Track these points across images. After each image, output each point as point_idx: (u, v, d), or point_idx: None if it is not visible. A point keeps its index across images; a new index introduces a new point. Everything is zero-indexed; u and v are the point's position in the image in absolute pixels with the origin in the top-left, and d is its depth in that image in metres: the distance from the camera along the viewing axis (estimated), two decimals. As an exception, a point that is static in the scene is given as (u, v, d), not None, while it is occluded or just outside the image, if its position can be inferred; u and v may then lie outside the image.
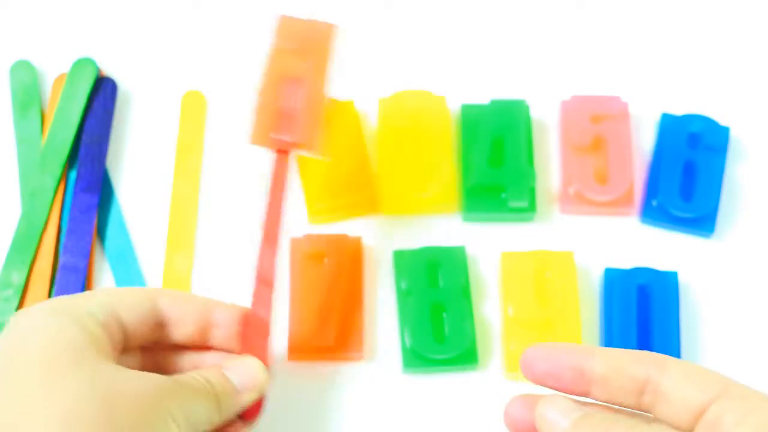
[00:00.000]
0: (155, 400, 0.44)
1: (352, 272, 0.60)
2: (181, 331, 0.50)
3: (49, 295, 0.60)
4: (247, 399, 0.50)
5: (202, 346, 0.51)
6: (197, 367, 0.50)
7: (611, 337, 0.59)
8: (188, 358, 0.52)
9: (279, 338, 0.60)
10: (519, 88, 0.66)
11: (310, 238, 0.61)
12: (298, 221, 0.62)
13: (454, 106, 0.65)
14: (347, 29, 0.68)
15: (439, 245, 0.61)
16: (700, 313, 0.60)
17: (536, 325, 0.58)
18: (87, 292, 0.50)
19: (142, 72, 0.67)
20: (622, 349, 0.43)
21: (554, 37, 0.68)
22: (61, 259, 0.60)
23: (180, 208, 0.63)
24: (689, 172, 0.63)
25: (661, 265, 0.60)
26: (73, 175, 0.63)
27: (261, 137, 0.56)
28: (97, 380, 0.43)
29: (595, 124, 0.63)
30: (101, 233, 0.62)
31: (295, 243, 0.61)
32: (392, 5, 0.69)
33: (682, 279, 0.60)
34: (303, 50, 0.57)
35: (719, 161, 0.63)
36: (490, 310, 0.61)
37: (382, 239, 0.62)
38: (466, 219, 0.63)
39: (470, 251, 0.61)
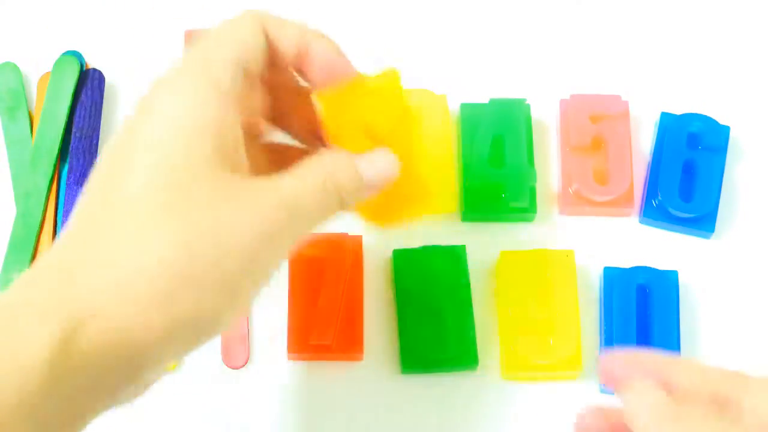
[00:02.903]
0: (265, 241, 0.41)
1: (352, 272, 0.60)
2: (281, 54, 0.47)
3: None
4: (365, 195, 0.47)
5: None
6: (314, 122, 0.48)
7: (611, 337, 0.59)
8: (306, 103, 0.48)
9: (279, 338, 0.60)
10: (519, 87, 0.66)
11: (309, 238, 0.60)
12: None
13: (453, 106, 0.65)
14: (347, 29, 0.68)
15: (439, 245, 0.61)
16: (700, 313, 0.61)
17: (536, 325, 0.58)
18: (206, 46, 0.45)
19: (128, 63, 0.66)
20: (705, 364, 0.43)
21: (554, 37, 0.68)
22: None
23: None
24: (689, 171, 0.63)
25: (661, 265, 0.60)
26: (65, 169, 0.63)
27: None
28: (207, 207, 0.40)
29: (594, 124, 0.63)
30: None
31: (295, 242, 0.61)
32: (392, 5, 0.69)
33: (682, 279, 0.60)
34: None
35: (719, 161, 0.63)
36: (490, 310, 0.61)
37: (382, 239, 0.62)
38: (466, 219, 0.63)
39: (470, 251, 0.61)
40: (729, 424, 0.40)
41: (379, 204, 0.47)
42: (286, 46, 0.47)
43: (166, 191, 0.40)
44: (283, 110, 0.50)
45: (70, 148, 0.63)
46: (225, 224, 0.40)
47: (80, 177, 0.62)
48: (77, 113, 0.64)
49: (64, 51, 0.65)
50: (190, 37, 0.65)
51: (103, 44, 0.66)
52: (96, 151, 0.63)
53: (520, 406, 0.59)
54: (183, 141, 0.41)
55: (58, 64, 0.64)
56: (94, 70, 0.65)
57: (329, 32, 0.67)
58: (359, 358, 0.59)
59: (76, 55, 0.65)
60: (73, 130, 0.64)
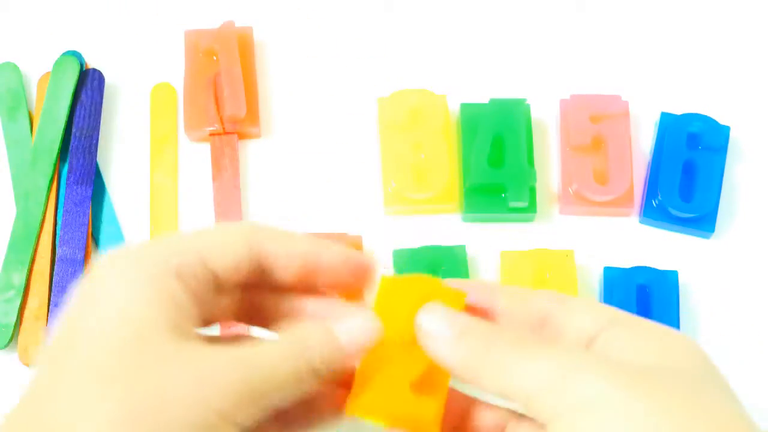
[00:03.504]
0: (213, 412, 0.38)
1: (352, 272, 0.60)
2: (283, 274, 0.43)
3: (50, 292, 0.60)
4: (349, 363, 0.42)
5: (306, 288, 0.45)
6: (299, 312, 0.44)
7: (611, 337, 0.58)
8: (289, 302, 0.45)
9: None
10: (519, 87, 0.66)
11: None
12: (298, 220, 0.62)
13: (453, 106, 0.65)
14: (348, 30, 0.68)
15: (439, 245, 0.61)
16: (700, 313, 0.61)
17: (536, 324, 0.58)
18: (170, 239, 0.42)
19: (128, 63, 0.67)
20: (528, 289, 0.43)
21: (554, 37, 0.68)
22: (59, 252, 0.61)
23: (160, 198, 0.63)
24: (689, 171, 0.62)
25: (661, 265, 0.60)
26: (65, 168, 0.63)
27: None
28: (156, 377, 0.37)
29: (594, 124, 0.63)
30: (94, 225, 0.62)
31: (295, 242, 0.61)
32: (392, 5, 0.69)
33: (682, 279, 0.60)
34: None
35: (719, 161, 0.63)
36: (490, 309, 0.61)
37: (382, 239, 0.62)
38: (466, 219, 0.63)
39: (470, 251, 0.61)
40: (532, 337, 0.40)
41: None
42: (286, 260, 0.43)
43: (112, 369, 0.38)
44: (263, 307, 0.45)
45: (70, 148, 0.63)
46: (173, 398, 0.37)
47: (80, 177, 0.62)
48: (77, 113, 0.64)
49: (64, 51, 0.65)
50: (190, 37, 0.65)
51: (103, 44, 0.66)
52: (95, 151, 0.63)
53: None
54: (133, 327, 0.39)
55: (58, 64, 0.64)
56: (94, 70, 0.65)
57: (330, 32, 0.68)
58: (359, 358, 0.59)
59: (76, 55, 0.65)
60: (73, 129, 0.64)
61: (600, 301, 0.60)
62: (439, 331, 0.41)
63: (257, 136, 0.65)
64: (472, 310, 0.43)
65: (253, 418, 0.39)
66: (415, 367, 0.41)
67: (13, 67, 0.65)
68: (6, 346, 0.58)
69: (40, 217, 0.61)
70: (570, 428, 0.36)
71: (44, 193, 0.62)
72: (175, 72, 0.66)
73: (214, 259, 0.41)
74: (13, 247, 0.60)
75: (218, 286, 0.42)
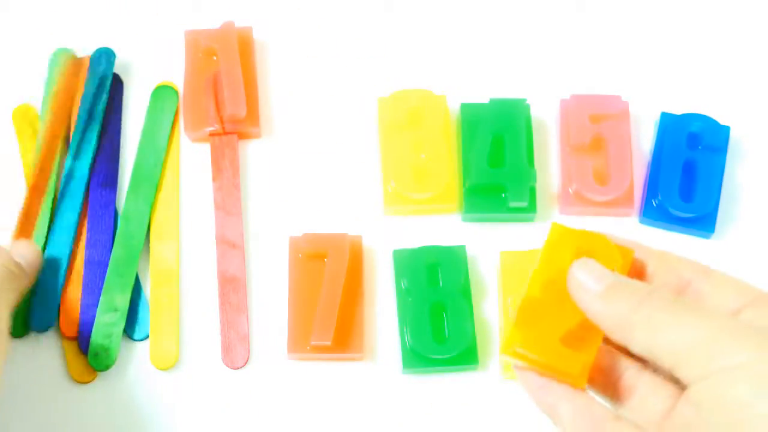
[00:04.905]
0: None
1: (352, 272, 0.60)
2: None
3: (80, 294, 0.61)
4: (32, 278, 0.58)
5: None
6: None
7: (611, 337, 0.58)
8: None
9: (279, 337, 0.60)
10: (519, 87, 0.66)
11: (309, 238, 0.61)
12: (298, 220, 0.62)
13: (453, 105, 0.65)
14: (348, 30, 0.68)
15: (439, 245, 0.61)
16: (700, 313, 0.60)
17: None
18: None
19: (128, 63, 0.66)
20: (672, 253, 0.44)
21: (554, 37, 0.68)
22: (86, 255, 0.61)
23: (160, 198, 0.63)
24: (689, 171, 0.63)
25: (661, 265, 0.60)
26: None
27: None
28: None
29: (594, 124, 0.63)
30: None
31: (295, 242, 0.61)
32: (392, 5, 0.69)
33: (682, 279, 0.60)
34: None
35: (719, 161, 0.63)
36: (490, 310, 0.61)
37: (382, 239, 0.62)
38: (466, 219, 0.63)
39: (470, 251, 0.61)
40: (680, 301, 0.40)
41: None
42: None
43: None
44: None
45: (99, 150, 0.63)
46: None
47: (105, 179, 0.63)
48: (107, 116, 0.64)
49: (70, 52, 0.65)
50: (190, 37, 0.65)
51: (103, 44, 0.66)
52: (117, 154, 0.64)
53: (520, 406, 0.59)
54: None
55: (156, 91, 0.65)
56: (115, 74, 0.65)
57: (330, 32, 0.68)
58: (359, 358, 0.59)
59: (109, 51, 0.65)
60: (103, 133, 0.64)
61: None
62: (590, 284, 0.41)
63: (257, 136, 0.65)
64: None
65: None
66: (569, 319, 0.42)
67: (68, 53, 0.65)
68: (108, 368, 0.58)
69: (141, 241, 0.61)
70: (715, 391, 0.37)
71: (146, 216, 0.62)
72: (175, 72, 0.66)
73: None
74: (114, 269, 0.60)
75: None
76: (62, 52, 0.65)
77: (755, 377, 0.36)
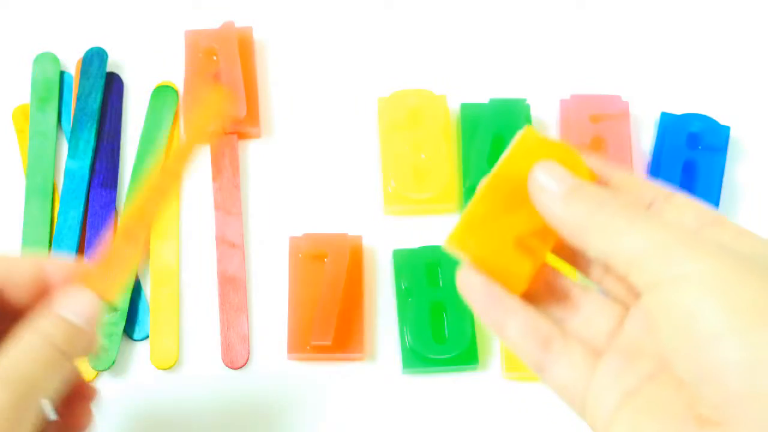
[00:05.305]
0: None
1: (352, 272, 0.60)
2: (15, 293, 0.44)
3: None
4: (92, 336, 0.43)
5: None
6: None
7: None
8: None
9: (279, 337, 0.60)
10: (518, 87, 0.66)
11: (309, 238, 0.61)
12: (298, 220, 0.62)
13: (453, 105, 0.65)
14: (348, 30, 0.68)
15: (439, 245, 0.60)
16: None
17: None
18: None
19: (128, 63, 0.66)
20: (639, 176, 0.43)
21: (554, 37, 0.68)
22: (86, 255, 0.61)
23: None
24: (689, 171, 0.62)
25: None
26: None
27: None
28: None
29: (594, 124, 0.63)
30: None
31: (295, 242, 0.61)
32: (392, 5, 0.69)
33: (682, 279, 0.60)
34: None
35: (719, 161, 0.63)
36: (490, 309, 0.61)
37: (382, 239, 0.62)
38: (466, 219, 0.63)
39: (470, 251, 0.61)
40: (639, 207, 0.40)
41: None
42: (16, 279, 0.44)
43: None
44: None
45: (99, 150, 0.63)
46: None
47: (105, 179, 0.63)
48: (106, 116, 0.64)
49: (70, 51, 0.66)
50: (190, 37, 0.65)
51: (103, 44, 0.66)
52: (117, 154, 0.63)
53: (520, 406, 0.59)
54: None
55: (157, 91, 0.65)
56: (114, 73, 0.65)
57: (330, 32, 0.68)
58: (359, 358, 0.59)
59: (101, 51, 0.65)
60: (101, 132, 0.64)
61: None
62: (552, 186, 0.40)
63: (257, 136, 0.65)
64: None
65: (36, 416, 0.40)
66: (522, 224, 0.41)
67: (52, 58, 0.65)
68: (108, 368, 0.58)
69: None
70: (666, 298, 0.36)
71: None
72: (175, 72, 0.66)
73: None
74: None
75: None
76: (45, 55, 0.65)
77: (707, 287, 0.35)
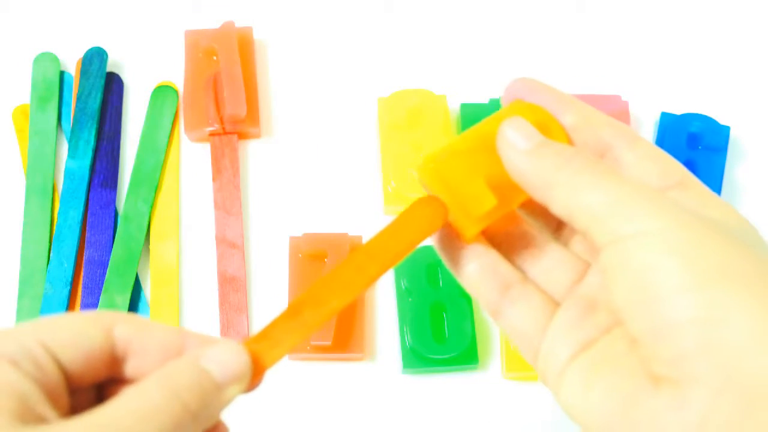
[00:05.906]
0: None
1: (352, 272, 0.60)
2: (143, 364, 0.37)
3: (79, 295, 0.60)
4: (231, 394, 0.36)
5: None
6: None
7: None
8: None
9: (279, 338, 0.60)
10: (519, 87, 0.66)
11: (309, 238, 0.61)
12: (298, 220, 0.62)
13: (453, 105, 0.65)
14: (348, 30, 0.68)
15: (439, 245, 0.61)
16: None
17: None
18: (9, 328, 0.37)
19: (128, 63, 0.67)
20: (600, 111, 0.42)
21: (554, 37, 0.68)
22: (86, 255, 0.61)
23: (161, 198, 0.63)
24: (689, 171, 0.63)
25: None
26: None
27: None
28: None
29: (594, 124, 0.63)
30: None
31: (295, 242, 0.61)
32: (392, 5, 0.69)
33: (682, 279, 0.60)
34: None
35: (719, 161, 0.63)
36: (490, 309, 0.61)
37: (382, 239, 0.62)
38: (466, 219, 0.63)
39: (470, 251, 0.61)
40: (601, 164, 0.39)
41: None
42: (147, 352, 0.37)
43: None
44: None
45: (99, 150, 0.63)
46: None
47: (105, 179, 0.63)
48: (104, 115, 0.64)
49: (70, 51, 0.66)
50: (190, 37, 0.65)
51: (102, 44, 0.66)
52: (117, 154, 0.64)
53: (520, 406, 0.59)
54: None
55: (156, 91, 0.65)
56: (114, 73, 0.65)
57: (330, 32, 0.68)
58: (360, 358, 0.59)
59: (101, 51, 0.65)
60: (101, 133, 0.64)
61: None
62: (518, 142, 0.40)
63: (257, 136, 0.65)
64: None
65: None
66: (497, 175, 0.41)
67: (52, 58, 0.65)
68: None
69: (141, 243, 0.61)
70: (624, 255, 0.36)
71: (146, 218, 0.62)
72: (175, 72, 0.66)
73: (61, 350, 0.35)
74: (114, 269, 0.60)
75: (71, 383, 0.36)
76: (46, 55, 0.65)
77: (666, 244, 0.35)
